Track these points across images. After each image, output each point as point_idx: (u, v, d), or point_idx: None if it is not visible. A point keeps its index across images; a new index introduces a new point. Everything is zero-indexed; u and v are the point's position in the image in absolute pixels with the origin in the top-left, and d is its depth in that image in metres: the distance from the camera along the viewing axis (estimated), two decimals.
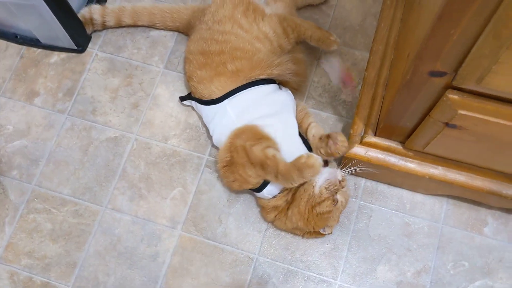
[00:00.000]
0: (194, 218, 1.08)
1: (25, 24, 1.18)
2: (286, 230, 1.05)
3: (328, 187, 0.94)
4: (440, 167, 0.97)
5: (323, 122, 1.14)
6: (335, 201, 0.95)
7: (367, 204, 1.07)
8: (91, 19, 1.21)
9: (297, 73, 1.09)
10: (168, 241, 1.06)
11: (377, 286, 1.02)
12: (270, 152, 0.94)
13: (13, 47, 1.25)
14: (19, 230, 1.09)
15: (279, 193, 0.99)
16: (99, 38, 1.25)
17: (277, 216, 1.01)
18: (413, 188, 1.07)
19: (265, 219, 1.06)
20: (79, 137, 1.16)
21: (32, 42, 1.24)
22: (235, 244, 1.06)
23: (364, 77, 1.06)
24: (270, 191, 0.98)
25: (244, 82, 1.02)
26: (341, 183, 0.96)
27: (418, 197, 1.07)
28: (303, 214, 0.96)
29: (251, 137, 0.97)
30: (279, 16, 1.10)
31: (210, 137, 1.10)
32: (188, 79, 1.10)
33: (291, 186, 0.94)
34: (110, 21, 1.21)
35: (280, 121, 1.00)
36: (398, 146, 0.97)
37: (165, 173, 1.12)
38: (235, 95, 1.01)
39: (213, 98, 1.03)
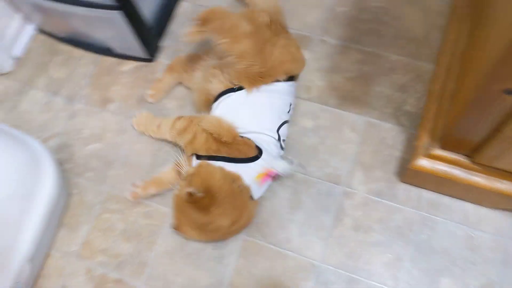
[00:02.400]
0: (257, 224, 1.12)
1: (101, 35, 1.25)
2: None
3: None
4: (506, 181, 0.97)
5: (386, 132, 1.15)
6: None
7: (431, 216, 1.08)
8: None
9: None
10: (233, 244, 1.11)
11: None
12: None
13: (88, 56, 1.34)
14: (95, 229, 1.16)
15: None
16: (168, 48, 1.31)
17: None
18: (477, 202, 1.07)
19: None
20: (149, 142, 1.22)
21: (106, 51, 1.32)
22: (298, 251, 1.09)
23: (429, 90, 1.07)
24: None
25: None
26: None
27: (483, 210, 1.07)
28: None
29: None
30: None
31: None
32: None
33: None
34: None
35: None
36: (465, 160, 0.98)
37: None
38: None
39: None
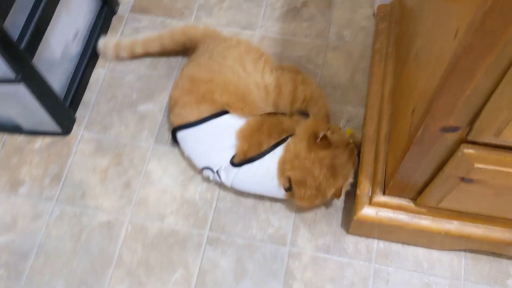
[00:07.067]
0: None
1: (5, 112, 1.13)
2: None
3: None
4: (455, 222, 0.92)
5: None
6: None
7: (383, 267, 1.01)
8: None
9: None
10: None
11: None
12: None
13: None
14: None
15: None
16: (84, 119, 1.20)
17: None
18: (428, 245, 1.02)
19: None
20: (69, 225, 1.09)
21: (13, 129, 1.19)
22: None
23: (363, 134, 1.03)
24: None
25: None
26: None
27: (435, 254, 1.02)
28: None
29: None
30: (295, 77, 1.11)
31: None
32: (171, 107, 1.10)
33: None
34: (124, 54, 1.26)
35: None
36: (410, 203, 0.93)
37: (164, 255, 1.05)
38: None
39: (204, 117, 1.02)
